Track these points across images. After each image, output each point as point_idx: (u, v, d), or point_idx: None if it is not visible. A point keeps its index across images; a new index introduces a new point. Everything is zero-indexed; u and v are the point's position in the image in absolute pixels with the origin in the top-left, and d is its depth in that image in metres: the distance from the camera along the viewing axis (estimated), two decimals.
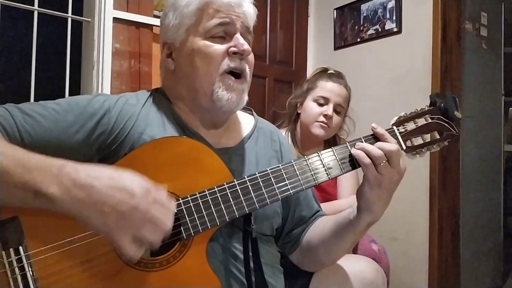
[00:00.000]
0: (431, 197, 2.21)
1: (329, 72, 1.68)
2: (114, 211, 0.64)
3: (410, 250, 2.26)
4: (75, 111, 0.81)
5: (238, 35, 0.88)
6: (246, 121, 1.02)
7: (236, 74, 0.89)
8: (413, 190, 2.27)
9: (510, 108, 3.42)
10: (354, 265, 0.97)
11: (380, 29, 2.49)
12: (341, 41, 2.73)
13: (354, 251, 1.56)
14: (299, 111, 1.65)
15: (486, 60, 2.55)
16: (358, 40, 2.62)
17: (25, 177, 0.65)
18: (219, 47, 0.87)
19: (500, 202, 2.71)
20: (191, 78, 0.88)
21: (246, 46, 0.87)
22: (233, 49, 0.87)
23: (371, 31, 2.55)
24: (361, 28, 2.60)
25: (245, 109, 1.02)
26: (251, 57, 0.91)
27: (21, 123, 0.76)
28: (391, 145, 0.81)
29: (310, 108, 1.59)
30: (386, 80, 2.43)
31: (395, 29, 2.40)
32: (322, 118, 1.56)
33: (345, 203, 1.51)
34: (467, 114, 2.37)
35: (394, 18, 2.41)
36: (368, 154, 0.80)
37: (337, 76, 1.64)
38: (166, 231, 0.68)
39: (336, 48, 2.76)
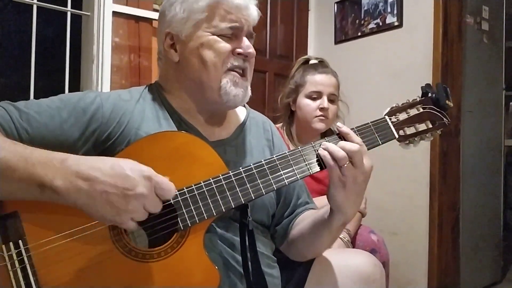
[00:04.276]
0: (431, 191, 2.21)
1: (312, 63, 1.67)
2: (119, 200, 0.66)
3: (410, 244, 2.27)
4: (68, 107, 0.82)
5: (244, 38, 0.91)
6: (239, 112, 1.04)
7: (239, 72, 0.91)
8: (413, 185, 2.27)
9: (511, 103, 3.42)
10: (352, 259, 0.97)
11: (381, 23, 2.48)
12: (342, 35, 2.72)
13: (353, 241, 1.57)
14: (293, 109, 1.65)
15: (487, 54, 2.54)
16: (359, 34, 2.61)
17: (28, 171, 0.67)
18: (227, 45, 0.89)
19: (500, 196, 2.71)
20: (198, 71, 0.90)
21: (251, 50, 0.91)
22: (239, 50, 0.90)
23: (372, 25, 2.54)
24: (362, 22, 2.59)
25: None
26: (252, 59, 0.94)
27: (17, 120, 0.77)
28: (352, 144, 0.80)
29: (306, 105, 1.59)
30: (387, 74, 2.42)
31: (396, 23, 2.39)
32: (319, 112, 1.57)
33: None
34: (468, 108, 2.37)
35: (395, 12, 2.40)
36: (332, 155, 0.80)
37: (322, 66, 1.64)
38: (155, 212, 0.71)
39: (337, 42, 2.75)
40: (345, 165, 0.79)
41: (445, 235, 2.23)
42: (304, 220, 0.98)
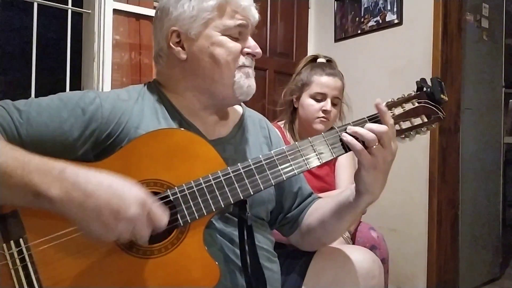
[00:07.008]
0: (430, 188, 2.22)
1: (320, 61, 1.67)
2: (109, 218, 0.66)
3: (409, 241, 2.27)
4: (67, 107, 0.82)
5: (250, 38, 0.94)
6: (235, 111, 1.05)
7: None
8: (412, 182, 2.28)
9: (510, 100, 3.42)
10: (351, 255, 0.98)
11: (380, 21, 2.48)
12: (342, 33, 2.72)
13: (353, 238, 1.58)
14: (295, 106, 1.66)
15: (487, 51, 2.54)
16: (359, 31, 2.61)
17: (25, 178, 0.67)
18: (237, 45, 0.91)
19: (499, 193, 2.71)
20: (210, 69, 0.90)
21: (258, 49, 0.94)
22: (247, 50, 0.92)
23: (371, 23, 2.54)
24: (362, 19, 2.60)
25: None
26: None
27: (17, 120, 0.77)
28: (380, 126, 0.83)
29: (309, 105, 1.59)
30: (387, 72, 2.43)
31: (396, 21, 2.39)
32: (321, 114, 1.57)
33: None
34: (467, 105, 2.37)
35: (395, 9, 2.40)
36: (360, 138, 0.83)
37: (330, 67, 1.64)
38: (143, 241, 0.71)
39: (337, 40, 2.76)
40: (375, 147, 0.82)
41: (444, 232, 2.24)
42: (321, 208, 0.99)
